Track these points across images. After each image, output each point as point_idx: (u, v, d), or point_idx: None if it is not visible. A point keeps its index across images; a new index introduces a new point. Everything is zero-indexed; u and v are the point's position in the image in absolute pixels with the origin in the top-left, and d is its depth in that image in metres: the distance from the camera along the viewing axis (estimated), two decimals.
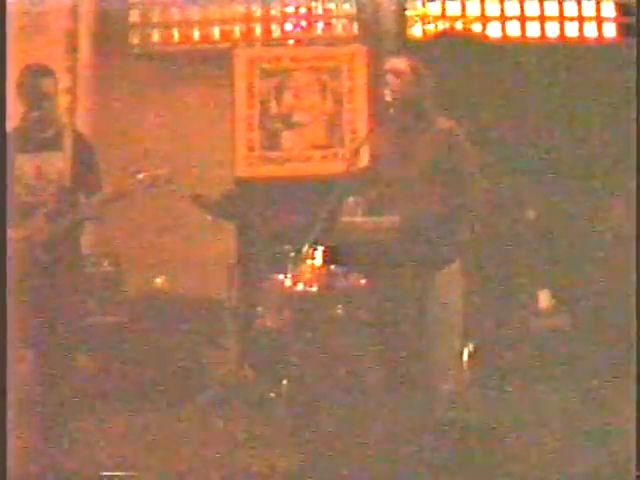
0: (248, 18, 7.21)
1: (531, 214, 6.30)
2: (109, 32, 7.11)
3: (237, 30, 7.21)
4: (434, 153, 4.41)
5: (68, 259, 4.56)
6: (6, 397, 3.62)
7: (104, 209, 4.62)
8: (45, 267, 4.45)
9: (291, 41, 7.24)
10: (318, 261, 5.47)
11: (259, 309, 5.71)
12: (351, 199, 4.55)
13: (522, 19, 7.15)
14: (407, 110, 4.48)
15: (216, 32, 7.21)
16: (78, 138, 4.72)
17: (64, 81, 6.17)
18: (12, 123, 4.53)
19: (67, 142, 4.59)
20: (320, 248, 5.44)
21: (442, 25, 7.15)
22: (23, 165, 4.52)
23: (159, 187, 4.59)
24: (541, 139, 6.69)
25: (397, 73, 4.49)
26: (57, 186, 4.54)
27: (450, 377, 4.32)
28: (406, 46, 6.90)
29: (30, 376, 4.43)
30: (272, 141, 7.18)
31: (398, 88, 4.46)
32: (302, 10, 7.21)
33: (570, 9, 7.16)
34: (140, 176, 4.59)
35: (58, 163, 4.56)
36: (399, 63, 4.54)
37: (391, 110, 4.50)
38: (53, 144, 4.58)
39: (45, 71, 4.67)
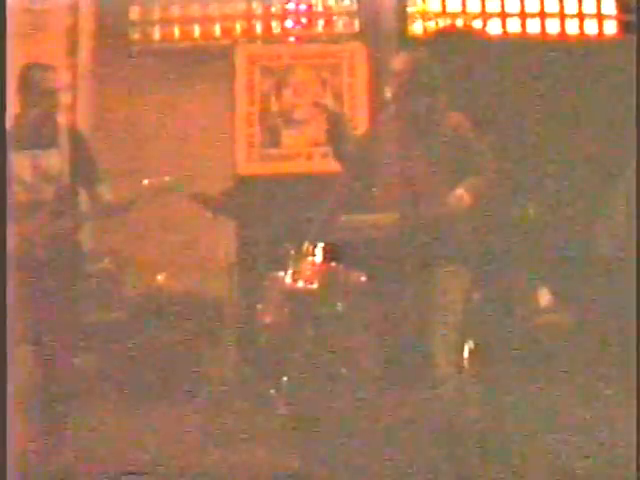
0: (249, 15, 7.22)
1: (531, 212, 6.30)
2: (109, 29, 7.09)
3: (238, 27, 7.22)
4: (442, 150, 4.40)
5: (68, 257, 4.56)
6: (6, 397, 3.62)
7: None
8: (45, 266, 4.46)
9: (292, 38, 7.24)
10: (318, 258, 5.48)
11: (259, 306, 5.71)
12: (351, 197, 4.55)
13: (522, 16, 7.15)
14: (412, 107, 4.46)
15: (217, 29, 7.21)
16: (76, 135, 4.72)
17: (64, 78, 6.15)
18: (12, 121, 4.53)
19: (65, 140, 4.59)
20: (320, 245, 5.44)
21: (443, 22, 7.15)
22: (22, 163, 4.51)
23: (166, 192, 4.61)
24: (541, 136, 6.69)
25: (402, 71, 4.47)
26: (56, 184, 4.54)
27: (450, 375, 4.32)
28: (407, 43, 6.89)
29: (30, 375, 4.44)
30: (272, 138, 7.18)
31: (403, 85, 4.45)
32: (302, 7, 7.21)
33: (570, 6, 7.16)
34: (146, 182, 4.60)
35: (57, 161, 4.56)
36: (403, 60, 4.52)
37: (393, 107, 4.49)
38: (52, 142, 4.57)
39: (47, 68, 4.67)
